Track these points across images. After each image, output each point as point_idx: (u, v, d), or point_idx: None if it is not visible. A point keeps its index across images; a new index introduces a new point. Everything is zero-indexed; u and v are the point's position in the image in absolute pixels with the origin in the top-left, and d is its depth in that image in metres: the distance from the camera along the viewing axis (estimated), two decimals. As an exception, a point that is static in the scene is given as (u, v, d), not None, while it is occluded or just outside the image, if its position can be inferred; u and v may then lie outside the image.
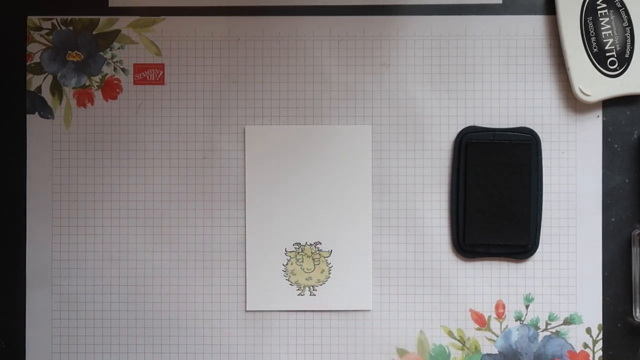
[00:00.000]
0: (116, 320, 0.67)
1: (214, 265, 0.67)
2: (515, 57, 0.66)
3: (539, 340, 0.66)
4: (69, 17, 0.67)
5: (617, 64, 0.64)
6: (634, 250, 0.65)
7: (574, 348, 0.66)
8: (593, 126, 0.66)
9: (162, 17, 0.67)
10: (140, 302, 0.67)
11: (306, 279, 0.67)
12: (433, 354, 0.66)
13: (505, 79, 0.66)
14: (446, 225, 0.66)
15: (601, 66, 0.64)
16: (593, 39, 0.64)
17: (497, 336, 0.66)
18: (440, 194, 0.66)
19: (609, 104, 0.66)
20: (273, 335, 0.67)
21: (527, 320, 0.66)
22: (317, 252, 0.66)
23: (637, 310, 0.65)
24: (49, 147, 0.67)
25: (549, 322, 0.66)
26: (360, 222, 0.66)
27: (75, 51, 0.67)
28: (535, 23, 0.66)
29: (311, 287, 0.67)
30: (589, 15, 0.64)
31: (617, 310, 0.66)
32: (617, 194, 0.66)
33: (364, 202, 0.66)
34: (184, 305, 0.67)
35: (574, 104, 0.66)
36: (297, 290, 0.67)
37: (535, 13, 0.66)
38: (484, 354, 0.66)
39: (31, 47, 0.67)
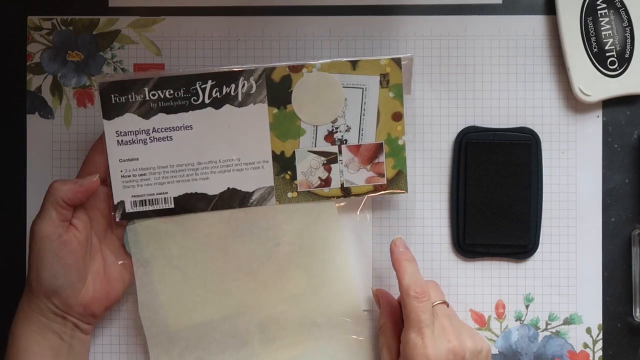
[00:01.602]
0: (116, 320, 0.67)
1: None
2: (515, 57, 0.66)
3: (539, 340, 0.66)
4: (69, 17, 0.67)
5: (617, 64, 0.64)
6: (634, 250, 0.65)
7: (574, 348, 0.66)
8: (593, 126, 0.66)
9: (162, 17, 0.67)
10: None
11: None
12: (433, 354, 0.66)
13: (505, 79, 0.66)
14: (446, 225, 0.66)
15: (601, 66, 0.64)
16: (593, 39, 0.64)
17: (497, 336, 0.66)
18: (440, 194, 0.66)
19: (609, 104, 0.66)
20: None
21: (527, 320, 0.66)
22: (317, 252, 0.66)
23: (637, 310, 0.65)
24: (49, 147, 0.67)
25: (549, 322, 0.66)
26: (361, 220, 0.66)
27: (75, 51, 0.67)
28: (535, 23, 0.66)
29: (311, 287, 0.67)
30: (589, 15, 0.64)
31: (617, 310, 0.66)
32: (617, 194, 0.66)
33: (364, 202, 0.66)
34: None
35: (574, 104, 0.66)
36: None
37: (535, 13, 0.66)
38: (484, 354, 0.66)
39: (31, 47, 0.67)
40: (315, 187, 0.63)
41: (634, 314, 0.65)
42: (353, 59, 0.62)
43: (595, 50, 0.64)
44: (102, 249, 0.62)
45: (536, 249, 0.65)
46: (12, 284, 0.67)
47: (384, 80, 0.62)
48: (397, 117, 0.62)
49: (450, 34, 0.66)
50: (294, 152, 0.63)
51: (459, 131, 0.66)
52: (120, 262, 0.63)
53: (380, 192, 0.63)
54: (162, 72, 0.61)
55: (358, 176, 0.63)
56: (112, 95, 0.61)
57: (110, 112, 0.61)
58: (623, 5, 0.64)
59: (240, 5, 0.67)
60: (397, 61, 0.62)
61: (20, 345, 0.59)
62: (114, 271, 0.63)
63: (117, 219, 0.63)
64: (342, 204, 0.64)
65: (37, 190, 0.67)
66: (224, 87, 0.61)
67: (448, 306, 0.62)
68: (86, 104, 0.67)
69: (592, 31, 0.64)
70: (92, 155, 0.62)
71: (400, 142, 0.63)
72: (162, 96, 0.61)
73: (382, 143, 0.63)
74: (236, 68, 0.61)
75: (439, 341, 0.58)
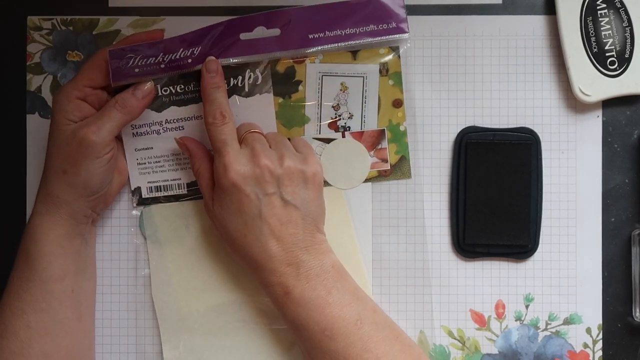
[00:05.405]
0: (116, 320, 0.67)
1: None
2: (515, 57, 0.66)
3: (539, 340, 0.66)
4: (69, 17, 0.67)
5: (617, 64, 0.64)
6: (634, 250, 0.65)
7: (574, 348, 0.66)
8: (593, 126, 0.66)
9: (162, 17, 0.67)
10: (140, 302, 0.67)
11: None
12: (433, 354, 0.66)
13: (505, 79, 0.66)
14: (446, 225, 0.66)
15: (601, 66, 0.64)
16: (593, 39, 0.64)
17: (497, 336, 0.66)
18: (440, 194, 0.66)
19: (609, 104, 0.66)
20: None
21: (527, 320, 0.66)
22: (317, 252, 0.66)
23: (637, 310, 0.65)
24: (49, 147, 0.67)
25: (549, 322, 0.66)
26: (361, 222, 0.66)
27: (75, 51, 0.67)
28: (535, 23, 0.66)
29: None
30: (589, 15, 0.64)
31: (617, 310, 0.66)
32: (617, 194, 0.66)
33: (364, 202, 0.66)
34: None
35: (574, 104, 0.66)
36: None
37: (535, 13, 0.66)
38: (484, 354, 0.66)
39: (31, 47, 0.67)
40: None
41: (634, 314, 0.65)
42: (353, 49, 0.64)
43: (595, 50, 0.64)
44: None
45: (536, 249, 0.65)
46: (12, 284, 0.67)
47: (384, 69, 0.65)
48: (398, 104, 0.65)
49: (450, 34, 0.66)
50: None
51: (459, 131, 0.66)
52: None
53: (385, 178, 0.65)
54: (175, 73, 0.63)
55: None
56: None
57: None
58: (623, 5, 0.64)
59: (240, 5, 0.67)
60: (396, 50, 0.65)
61: (44, 249, 0.60)
62: (119, 159, 0.64)
63: (135, 205, 0.66)
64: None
65: (36, 190, 0.67)
66: (231, 79, 0.64)
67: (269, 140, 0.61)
68: (86, 104, 0.67)
69: (592, 31, 0.64)
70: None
71: (401, 128, 0.65)
72: (173, 91, 0.64)
73: (384, 129, 0.65)
74: (242, 61, 0.63)
75: (244, 158, 0.58)
